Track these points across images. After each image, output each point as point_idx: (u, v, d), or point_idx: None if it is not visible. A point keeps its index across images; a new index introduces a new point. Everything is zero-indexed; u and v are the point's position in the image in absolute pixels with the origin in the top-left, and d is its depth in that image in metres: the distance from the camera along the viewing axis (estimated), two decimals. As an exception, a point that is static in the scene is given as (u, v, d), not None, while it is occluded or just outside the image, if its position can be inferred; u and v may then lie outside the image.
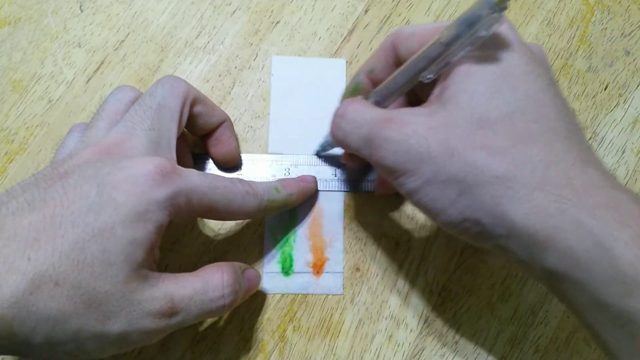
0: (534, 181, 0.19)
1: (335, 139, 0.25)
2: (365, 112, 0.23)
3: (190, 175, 0.22)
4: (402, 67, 0.23)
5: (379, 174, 0.29)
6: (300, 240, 0.30)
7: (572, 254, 0.18)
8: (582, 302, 0.19)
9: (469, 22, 0.19)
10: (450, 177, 0.20)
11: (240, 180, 0.25)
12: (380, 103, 0.24)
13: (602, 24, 0.34)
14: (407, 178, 0.21)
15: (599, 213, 0.18)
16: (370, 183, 0.30)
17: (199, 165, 0.30)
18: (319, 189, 0.30)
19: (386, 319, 0.29)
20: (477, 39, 0.20)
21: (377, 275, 0.29)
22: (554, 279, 0.19)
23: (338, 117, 0.24)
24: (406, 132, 0.20)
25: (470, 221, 0.20)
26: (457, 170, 0.19)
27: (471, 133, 0.20)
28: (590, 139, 0.32)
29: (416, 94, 0.26)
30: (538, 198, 0.19)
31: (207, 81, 0.32)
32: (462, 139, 0.20)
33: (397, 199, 0.30)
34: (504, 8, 0.18)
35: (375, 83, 0.26)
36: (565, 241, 0.18)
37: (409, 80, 0.23)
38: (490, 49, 0.20)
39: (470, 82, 0.20)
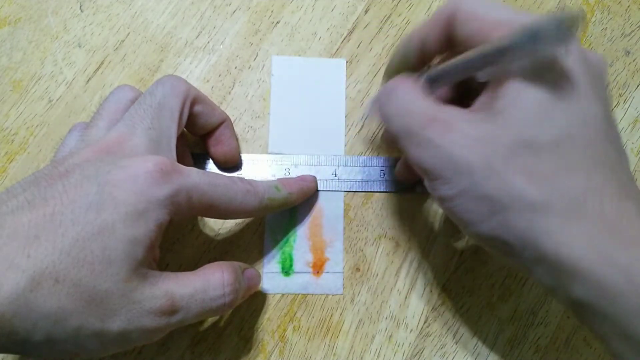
0: (569, 212, 0.18)
1: (380, 112, 0.23)
2: (413, 101, 0.22)
3: (191, 174, 0.22)
4: (460, 59, 0.22)
5: (406, 161, 0.29)
6: (300, 240, 0.30)
7: (601, 287, 0.18)
8: (609, 332, 0.19)
9: (532, 35, 0.18)
10: (486, 194, 0.19)
11: (241, 179, 0.25)
12: (431, 86, 0.23)
13: (602, 24, 0.34)
14: (442, 184, 0.20)
15: (631, 248, 0.18)
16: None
17: (199, 165, 0.30)
18: (319, 188, 0.30)
19: (386, 319, 0.29)
20: (539, 54, 0.19)
21: (377, 275, 0.29)
22: (579, 307, 0.19)
23: (386, 94, 0.23)
24: (449, 139, 0.20)
25: (500, 240, 0.20)
26: (494, 189, 0.19)
27: (514, 154, 0.19)
28: (590, 139, 0.32)
29: (466, 82, 0.25)
30: (571, 229, 0.18)
31: (207, 81, 0.32)
32: (505, 158, 0.19)
33: (397, 198, 0.30)
34: (572, 32, 0.17)
35: (423, 54, 0.24)
36: (594, 274, 0.18)
37: (464, 73, 0.22)
38: (550, 65, 0.20)
39: (523, 100, 0.19)
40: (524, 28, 0.18)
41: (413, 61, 0.25)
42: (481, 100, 0.21)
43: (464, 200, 0.20)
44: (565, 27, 0.17)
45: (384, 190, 0.30)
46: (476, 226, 0.20)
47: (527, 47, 0.18)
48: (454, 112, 0.21)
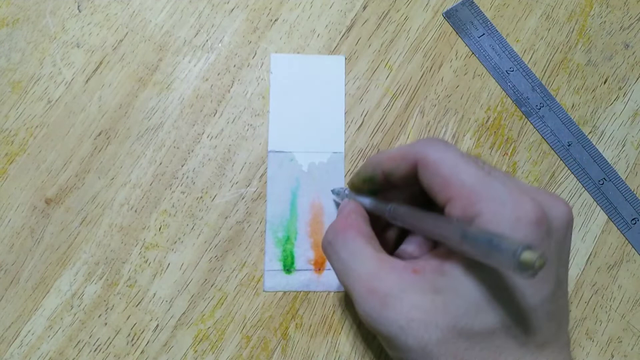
0: None
1: (325, 252, 0.24)
2: (357, 258, 0.22)
3: None
4: (420, 222, 0.22)
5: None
6: (301, 238, 0.30)
7: None
8: None
9: (489, 250, 0.17)
10: None
11: None
12: (392, 219, 0.24)
13: (601, 17, 0.34)
14: (384, 345, 0.22)
15: None
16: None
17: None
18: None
19: (388, 315, 0.29)
20: (492, 264, 0.18)
21: (378, 271, 0.29)
22: None
23: (334, 233, 0.24)
24: (386, 317, 0.20)
25: None
26: None
27: (449, 340, 0.20)
28: (590, 133, 0.32)
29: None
30: None
31: (206, 80, 0.31)
32: (439, 343, 0.20)
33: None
34: (528, 273, 0.16)
35: (388, 182, 0.24)
36: None
37: (422, 233, 0.23)
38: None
39: (465, 286, 0.20)
40: (482, 236, 0.18)
41: (378, 182, 0.25)
42: (430, 260, 0.21)
43: None
44: (522, 264, 0.16)
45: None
46: None
47: (479, 254, 0.18)
48: (394, 280, 0.21)
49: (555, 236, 0.20)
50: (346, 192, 0.28)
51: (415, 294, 0.20)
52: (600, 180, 0.31)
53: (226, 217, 0.30)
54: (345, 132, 0.31)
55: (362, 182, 0.26)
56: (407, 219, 0.23)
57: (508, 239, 0.17)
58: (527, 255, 0.16)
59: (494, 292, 0.19)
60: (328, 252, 0.24)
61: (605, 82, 0.33)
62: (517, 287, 0.20)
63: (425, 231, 0.22)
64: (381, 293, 0.21)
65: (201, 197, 0.30)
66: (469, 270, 0.20)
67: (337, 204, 0.30)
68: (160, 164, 0.30)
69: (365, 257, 0.22)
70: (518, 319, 0.20)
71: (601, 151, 0.32)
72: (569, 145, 0.32)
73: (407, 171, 0.23)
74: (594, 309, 0.30)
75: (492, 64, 0.33)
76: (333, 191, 0.30)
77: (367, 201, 0.26)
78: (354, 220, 0.24)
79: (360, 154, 0.31)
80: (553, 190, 0.31)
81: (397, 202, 0.24)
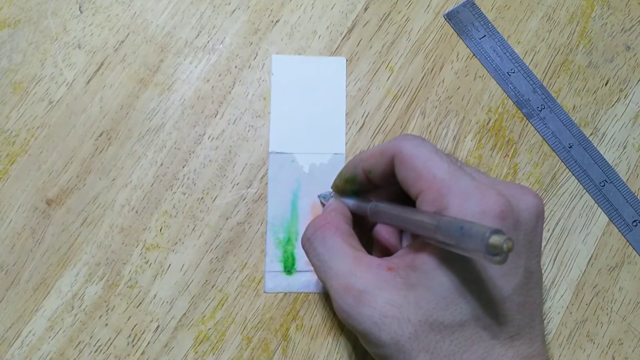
0: None
1: (304, 246, 0.25)
2: (334, 254, 0.23)
3: None
4: (396, 214, 0.23)
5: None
6: (302, 239, 0.30)
7: None
8: None
9: (460, 236, 0.18)
10: None
11: None
12: (372, 216, 0.25)
13: (602, 19, 0.34)
14: (360, 340, 0.23)
15: None
16: None
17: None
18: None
19: (389, 316, 0.29)
20: (462, 250, 0.18)
21: (379, 273, 0.29)
22: None
23: (314, 229, 0.24)
24: (361, 313, 0.21)
25: None
26: None
27: (420, 334, 0.20)
28: (591, 134, 0.32)
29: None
30: None
31: (208, 81, 0.32)
32: (411, 337, 0.20)
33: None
34: (496, 258, 0.17)
35: (370, 181, 0.25)
36: None
37: (400, 227, 0.23)
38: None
39: (436, 280, 0.20)
40: (454, 223, 0.18)
41: (360, 182, 0.26)
42: (403, 257, 0.22)
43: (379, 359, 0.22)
44: (491, 248, 0.16)
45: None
46: None
47: (452, 242, 0.18)
48: (369, 278, 0.22)
49: (524, 228, 0.21)
50: (332, 195, 0.29)
51: (389, 291, 0.21)
52: (602, 182, 0.31)
53: (227, 218, 0.30)
54: (346, 134, 0.31)
55: (344, 183, 0.27)
56: (387, 213, 0.23)
57: (478, 225, 0.17)
58: (495, 239, 0.16)
59: (464, 285, 0.20)
60: (307, 248, 0.25)
61: (606, 84, 0.33)
62: (486, 279, 0.20)
63: (404, 224, 0.22)
64: (356, 290, 0.21)
65: (202, 198, 0.30)
66: (440, 265, 0.20)
67: None
68: (161, 165, 0.30)
69: (343, 255, 0.23)
70: (488, 310, 0.20)
71: (602, 153, 0.32)
72: (570, 147, 0.32)
73: (386, 167, 0.23)
74: (595, 310, 0.30)
75: (493, 65, 0.33)
76: (320, 196, 0.30)
77: (350, 202, 0.27)
78: (333, 218, 0.25)
79: (361, 156, 0.31)
80: (554, 192, 0.31)
81: (378, 201, 0.25)
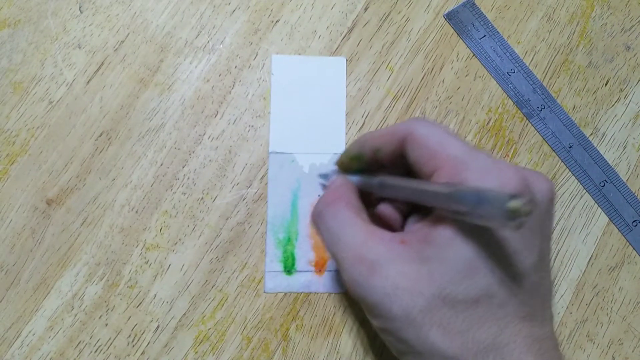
0: None
1: (313, 223, 0.25)
2: (345, 227, 0.23)
3: None
4: (407, 186, 0.22)
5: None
6: (302, 239, 0.30)
7: None
8: None
9: (476, 203, 0.17)
10: (405, 340, 0.20)
11: None
12: (380, 191, 0.24)
13: (602, 19, 0.34)
14: (369, 316, 0.22)
15: None
16: None
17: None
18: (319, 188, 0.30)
19: (389, 316, 0.29)
20: (480, 220, 0.18)
21: (379, 273, 0.29)
22: None
23: (324, 205, 0.24)
24: (373, 285, 0.21)
25: None
26: (412, 338, 0.20)
27: (433, 308, 0.20)
28: (591, 135, 0.32)
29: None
30: None
31: (208, 81, 0.32)
32: (423, 311, 0.20)
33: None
34: (516, 222, 0.16)
35: (376, 160, 0.25)
36: None
37: (410, 199, 0.23)
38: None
39: (451, 254, 0.20)
40: (473, 190, 0.18)
41: (366, 161, 0.25)
42: (417, 232, 0.22)
43: (386, 335, 0.22)
44: (510, 213, 0.16)
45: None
46: (399, 357, 0.22)
47: (468, 209, 0.18)
48: (382, 249, 0.21)
49: (538, 209, 0.21)
50: (335, 172, 0.28)
51: (402, 263, 0.21)
52: (602, 182, 0.31)
53: (227, 218, 0.30)
54: (346, 134, 0.31)
55: (350, 160, 0.26)
56: (396, 186, 0.23)
57: (495, 191, 0.17)
58: (515, 202, 0.16)
59: (480, 260, 0.20)
60: (317, 222, 0.24)
61: (606, 84, 0.33)
62: (502, 255, 0.20)
63: (415, 196, 0.22)
64: (369, 261, 0.21)
65: (202, 198, 0.30)
66: (455, 239, 0.20)
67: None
68: (161, 165, 0.30)
69: (355, 228, 0.22)
70: (503, 287, 0.20)
71: (602, 153, 0.32)
72: (570, 147, 0.32)
73: (395, 147, 0.23)
74: (595, 310, 0.30)
75: (493, 65, 0.33)
76: (320, 175, 0.30)
77: (355, 178, 0.26)
78: (343, 192, 0.24)
79: (361, 156, 0.31)
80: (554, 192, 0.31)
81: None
